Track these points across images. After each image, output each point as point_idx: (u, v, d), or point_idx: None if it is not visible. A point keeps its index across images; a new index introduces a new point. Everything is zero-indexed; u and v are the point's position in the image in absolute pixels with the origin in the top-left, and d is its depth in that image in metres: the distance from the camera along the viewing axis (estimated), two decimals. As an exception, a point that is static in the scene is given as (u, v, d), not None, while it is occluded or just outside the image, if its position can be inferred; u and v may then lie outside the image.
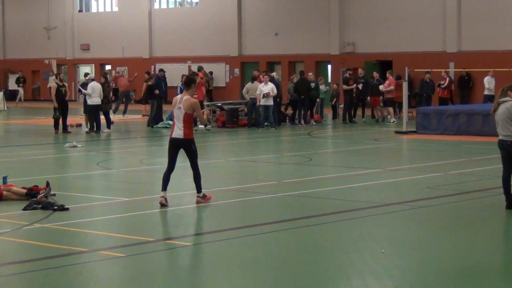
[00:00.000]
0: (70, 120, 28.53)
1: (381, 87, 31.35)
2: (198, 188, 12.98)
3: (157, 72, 32.96)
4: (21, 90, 49.61)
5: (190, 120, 12.83)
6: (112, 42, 50.11)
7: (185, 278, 8.88)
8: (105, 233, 11.07)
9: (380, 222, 11.64)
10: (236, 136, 26.63)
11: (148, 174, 17.12)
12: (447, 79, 33.91)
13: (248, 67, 43.52)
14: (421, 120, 26.01)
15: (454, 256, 9.59)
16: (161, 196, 12.70)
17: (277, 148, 23.92)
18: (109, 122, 27.85)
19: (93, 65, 51.35)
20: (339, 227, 11.42)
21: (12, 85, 52.43)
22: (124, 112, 35.41)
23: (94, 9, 52.72)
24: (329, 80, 41.10)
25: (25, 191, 13.37)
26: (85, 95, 27.44)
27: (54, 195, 13.39)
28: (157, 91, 29.95)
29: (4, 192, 13.33)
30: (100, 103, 27.00)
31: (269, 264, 9.24)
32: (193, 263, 9.64)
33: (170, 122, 25.19)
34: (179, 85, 27.16)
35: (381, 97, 31.75)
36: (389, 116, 31.47)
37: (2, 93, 42.66)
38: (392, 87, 31.21)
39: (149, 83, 31.25)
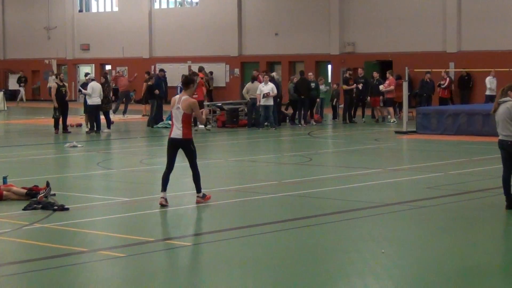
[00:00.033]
0: (70, 120, 28.53)
1: (381, 87, 31.36)
2: (198, 188, 12.98)
3: (157, 72, 32.95)
4: (22, 90, 49.59)
5: (188, 120, 12.82)
6: (112, 42, 50.11)
7: (185, 278, 8.88)
8: (105, 233, 11.07)
9: (380, 222, 11.64)
10: (236, 136, 26.63)
11: (148, 174, 17.12)
12: (447, 79, 33.90)
13: (248, 67, 43.51)
14: (421, 120, 26.01)
15: (454, 256, 9.59)
16: (161, 197, 12.70)
17: (277, 148, 23.92)
18: (109, 122, 27.85)
19: (93, 65, 51.35)
20: (339, 227, 11.41)
21: (12, 85, 52.41)
22: (124, 112, 35.41)
23: (94, 9, 52.73)
24: (329, 80, 41.11)
25: (25, 191, 13.37)
26: (85, 95, 27.45)
27: (54, 195, 13.39)
28: (157, 91, 29.96)
29: (4, 192, 13.33)
30: (100, 103, 27.01)
31: (269, 264, 9.23)
32: (193, 263, 9.64)
33: (170, 122, 25.17)
34: (179, 85, 27.16)
35: (381, 97, 31.75)
36: (389, 116, 31.48)
37: (2, 93, 42.66)
38: (392, 87, 31.22)
39: (149, 83, 31.26)
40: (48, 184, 13.39)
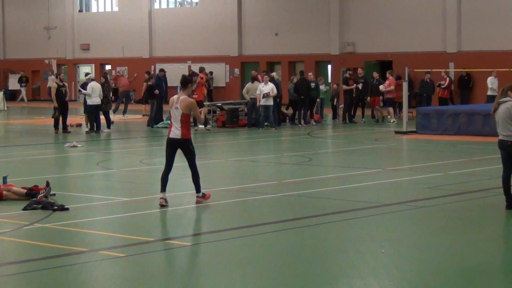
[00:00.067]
0: (70, 120, 28.54)
1: (381, 87, 31.35)
2: (197, 188, 12.97)
3: (157, 72, 32.96)
4: (23, 90, 49.50)
5: (187, 120, 12.80)
6: (112, 42, 50.11)
7: (185, 278, 8.87)
8: (105, 233, 11.07)
9: (380, 222, 11.64)
10: (236, 136, 26.63)
11: (148, 174, 17.12)
12: (447, 79, 33.89)
13: (248, 67, 43.49)
14: (421, 120, 26.01)
15: (454, 256, 9.59)
16: (160, 198, 12.68)
17: (277, 148, 23.92)
18: (109, 122, 27.85)
19: (93, 65, 51.36)
20: (339, 227, 11.41)
21: (12, 85, 52.39)
22: (124, 112, 35.40)
23: (94, 9, 52.72)
24: (329, 80, 41.11)
25: (25, 191, 13.37)
26: (85, 95, 27.45)
27: (54, 195, 13.39)
28: (157, 91, 29.95)
29: (4, 192, 13.33)
30: (100, 103, 27.01)
31: (269, 264, 9.23)
32: (193, 263, 9.64)
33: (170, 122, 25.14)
34: (179, 85, 27.17)
35: (381, 97, 31.75)
36: (389, 116, 31.47)
37: (2, 93, 42.65)
38: (392, 87, 31.22)
39: (149, 83, 31.25)
40: (48, 184, 13.39)
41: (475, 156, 20.00)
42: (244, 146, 24.41)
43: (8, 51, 56.00)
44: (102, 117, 27.51)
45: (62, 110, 26.75)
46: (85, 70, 50.26)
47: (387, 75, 31.98)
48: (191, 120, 15.15)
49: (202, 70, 32.68)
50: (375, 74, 32.32)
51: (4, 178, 13.89)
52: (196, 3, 48.09)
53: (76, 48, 52.53)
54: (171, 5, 49.49)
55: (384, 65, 38.67)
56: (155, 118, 29.69)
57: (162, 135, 25.14)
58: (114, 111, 33.28)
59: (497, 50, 37.16)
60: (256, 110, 29.05)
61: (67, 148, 22.26)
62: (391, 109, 31.59)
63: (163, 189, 12.70)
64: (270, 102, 28.40)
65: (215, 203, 12.99)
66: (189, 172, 12.98)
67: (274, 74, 31.32)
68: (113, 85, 35.63)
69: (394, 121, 30.73)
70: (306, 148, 22.92)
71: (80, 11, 52.57)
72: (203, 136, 26.29)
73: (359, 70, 33.46)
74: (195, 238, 10.85)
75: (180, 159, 13.31)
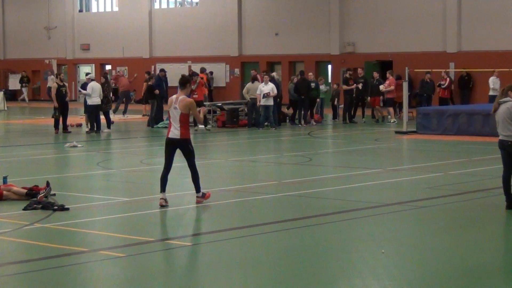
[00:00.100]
0: (70, 120, 28.54)
1: (381, 87, 31.35)
2: (197, 188, 12.96)
3: (157, 72, 32.96)
4: (25, 91, 49.41)
5: (186, 120, 12.79)
6: (112, 42, 50.11)
7: (185, 278, 8.87)
8: (105, 233, 11.07)
9: (380, 222, 11.64)
10: (236, 136, 26.63)
11: (148, 174, 17.12)
12: (447, 79, 33.89)
13: (248, 67, 43.46)
14: (421, 120, 26.01)
15: (454, 256, 9.59)
16: (160, 198, 12.68)
17: (277, 148, 23.92)
18: (109, 122, 27.86)
19: (93, 65, 51.37)
20: (339, 227, 11.41)
21: (12, 85, 52.37)
22: (124, 112, 35.40)
23: (94, 9, 52.72)
24: (329, 80, 41.11)
25: (25, 191, 13.37)
26: (85, 95, 27.45)
27: (54, 195, 13.39)
28: (157, 91, 29.95)
29: (4, 192, 13.33)
30: (100, 103, 27.02)
31: (269, 264, 9.23)
32: (193, 263, 9.64)
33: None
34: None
35: (381, 97, 31.76)
36: (389, 116, 31.47)
37: (2, 93, 42.65)
38: (392, 87, 31.21)
39: (149, 83, 31.25)
40: (48, 184, 13.39)
41: (475, 156, 20.00)
42: (244, 146, 24.41)
43: (8, 51, 56.01)
44: (102, 117, 27.51)
45: (62, 110, 26.75)
46: (85, 70, 50.26)
47: (387, 75, 31.98)
48: (191, 120, 15.17)
49: (203, 71, 32.66)
50: (375, 74, 32.32)
51: (4, 178, 13.89)
52: (196, 3, 48.09)
53: (76, 48, 52.53)
54: (171, 5, 49.49)
55: (384, 65, 38.66)
56: (155, 118, 29.70)
57: (162, 135, 25.10)
58: (114, 111, 33.29)
59: (497, 50, 37.16)
60: (256, 110, 29.05)
61: (67, 148, 22.27)
62: (391, 109, 31.59)
63: (163, 189, 12.69)
64: (270, 102, 28.40)
65: (215, 203, 12.99)
66: (189, 172, 12.98)
67: (274, 74, 31.33)
68: (113, 85, 35.63)
69: (394, 121, 30.73)
70: (306, 148, 22.92)
71: (80, 11, 52.57)
72: (203, 136, 26.30)
73: (359, 70, 33.47)
74: (195, 238, 10.85)
75: (180, 159, 13.30)
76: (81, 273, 8.90)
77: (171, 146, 12.84)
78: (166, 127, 27.91)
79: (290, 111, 31.41)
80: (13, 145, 24.05)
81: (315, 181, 15.81)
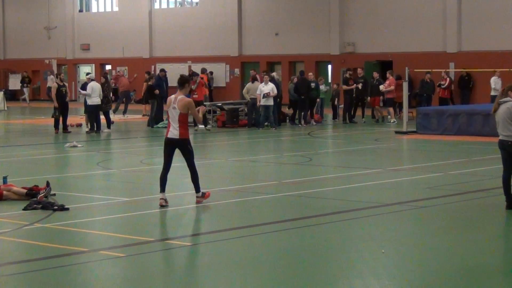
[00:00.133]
0: (70, 120, 28.53)
1: (381, 87, 31.35)
2: (197, 188, 12.95)
3: (158, 72, 32.95)
4: (26, 91, 49.39)
5: (185, 120, 12.79)
6: (112, 42, 50.11)
7: (185, 278, 8.87)
8: (105, 233, 11.07)
9: (380, 222, 11.64)
10: (236, 136, 26.63)
11: (148, 174, 17.12)
12: (447, 79, 33.89)
13: (248, 67, 43.45)
14: (421, 120, 26.01)
15: (454, 256, 9.59)
16: (160, 198, 12.67)
17: (277, 148, 23.92)
18: (109, 122, 27.86)
19: (93, 65, 51.36)
20: (339, 227, 11.41)
21: (13, 85, 52.34)
22: (124, 112, 35.40)
23: (94, 9, 52.72)
24: (329, 80, 41.11)
25: (25, 191, 13.37)
26: (85, 95, 27.44)
27: (54, 195, 13.39)
28: (157, 91, 29.95)
29: (4, 192, 13.33)
30: (100, 103, 27.02)
31: (269, 264, 9.23)
32: (193, 263, 9.64)
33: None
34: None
35: (381, 97, 31.76)
36: (389, 116, 31.47)
37: (2, 93, 42.65)
38: (392, 87, 31.21)
39: (149, 83, 31.25)
40: (48, 184, 13.39)
41: (475, 156, 20.00)
42: (244, 146, 24.41)
43: (8, 51, 56.01)
44: (102, 117, 27.51)
45: (62, 110, 26.75)
46: (85, 70, 50.27)
47: (387, 75, 31.98)
48: (191, 120, 15.17)
49: (204, 71, 32.66)
50: (375, 74, 32.32)
51: (4, 178, 13.89)
52: (196, 3, 48.09)
53: (76, 48, 52.53)
54: (171, 5, 49.49)
55: (384, 65, 38.65)
56: (155, 118, 29.70)
57: (162, 135, 24.99)
58: (114, 111, 33.29)
59: (497, 50, 37.15)
60: (256, 110, 29.05)
61: (67, 148, 22.27)
62: (391, 109, 31.59)
63: (163, 189, 12.69)
64: (270, 102, 28.40)
65: (215, 203, 12.99)
66: (188, 172, 12.98)
67: (274, 74, 31.33)
68: (113, 85, 35.62)
69: (394, 121, 30.72)
70: (306, 148, 22.92)
71: (80, 11, 52.57)
72: (203, 136, 26.30)
73: (359, 70, 33.47)
74: (195, 238, 10.84)
75: (179, 159, 13.30)
76: (81, 273, 8.90)
77: (170, 146, 12.83)
78: (166, 127, 27.95)
79: (290, 111, 31.42)
80: (13, 145, 24.04)
81: (315, 181, 15.81)
